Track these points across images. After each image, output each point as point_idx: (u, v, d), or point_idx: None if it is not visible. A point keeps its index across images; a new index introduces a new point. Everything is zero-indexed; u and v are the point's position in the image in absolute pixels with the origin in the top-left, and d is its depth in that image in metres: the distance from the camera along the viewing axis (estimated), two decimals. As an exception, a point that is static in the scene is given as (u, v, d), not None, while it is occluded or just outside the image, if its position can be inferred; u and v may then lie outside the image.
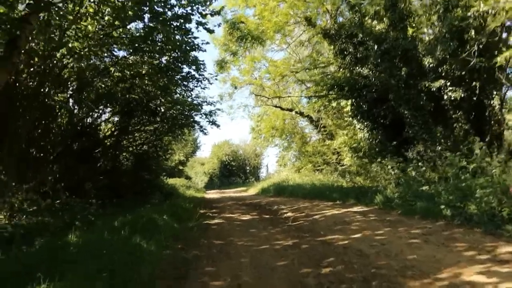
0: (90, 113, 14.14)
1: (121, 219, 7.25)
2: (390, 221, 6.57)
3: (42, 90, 10.59)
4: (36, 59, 10.05)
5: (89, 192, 14.79)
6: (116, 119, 15.79)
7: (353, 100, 11.91)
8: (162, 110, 16.11)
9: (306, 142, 22.35)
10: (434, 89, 9.36)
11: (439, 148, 9.09)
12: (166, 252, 5.08)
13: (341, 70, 13.34)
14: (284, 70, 17.62)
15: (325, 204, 10.93)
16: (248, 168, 49.50)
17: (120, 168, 16.47)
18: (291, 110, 21.29)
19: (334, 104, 15.49)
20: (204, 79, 13.30)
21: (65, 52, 9.66)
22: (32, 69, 10.40)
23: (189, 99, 15.98)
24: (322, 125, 19.98)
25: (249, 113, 23.95)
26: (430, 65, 9.79)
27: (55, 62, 10.50)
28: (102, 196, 15.28)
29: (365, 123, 12.30)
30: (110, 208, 12.40)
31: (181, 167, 39.96)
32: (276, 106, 21.24)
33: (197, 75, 13.20)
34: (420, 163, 8.82)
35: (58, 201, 9.40)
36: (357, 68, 11.42)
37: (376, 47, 10.21)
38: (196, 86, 13.77)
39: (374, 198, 9.40)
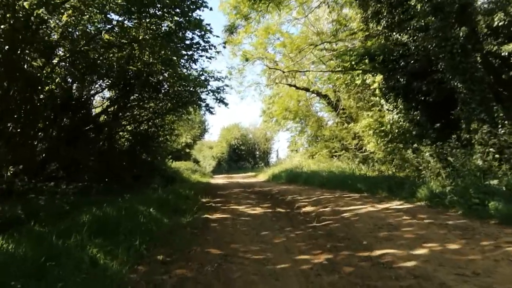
0: (80, 85, 12.45)
1: (94, 212, 5.52)
2: (457, 227, 4.73)
3: (15, 54, 8.85)
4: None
5: (76, 175, 13.26)
6: (111, 94, 14.07)
7: (386, 74, 9.95)
8: (165, 86, 14.33)
9: (322, 125, 20.42)
10: (505, 54, 7.36)
11: (502, 131, 7.16)
12: (133, 276, 3.30)
13: (371, 39, 11.35)
14: (301, 43, 15.60)
15: (350, 196, 9.11)
16: (257, 153, 47.79)
17: (117, 148, 14.82)
18: (307, 89, 19.31)
19: (358, 81, 13.52)
20: (211, 46, 11.42)
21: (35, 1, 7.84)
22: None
23: (194, 73, 14.16)
24: (341, 107, 18.00)
25: (261, 92, 22.07)
26: (500, 23, 7.77)
27: (29, 17, 8.73)
28: (92, 180, 13.74)
29: (398, 102, 10.37)
30: (97, 194, 10.79)
31: (188, 150, 38.35)
32: (290, 85, 19.28)
33: (202, 42, 11.33)
34: (484, 149, 6.88)
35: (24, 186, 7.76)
36: (394, 34, 9.42)
37: (424, 2, 8.15)
38: (201, 56, 11.88)
39: (415, 192, 7.55)
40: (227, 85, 15.28)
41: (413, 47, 8.92)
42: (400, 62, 9.26)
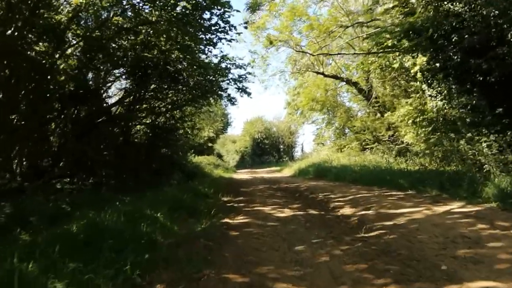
0: (92, 73, 11.60)
1: (90, 217, 4.50)
2: None
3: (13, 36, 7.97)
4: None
5: (91, 170, 12.52)
6: (127, 84, 13.18)
7: (434, 52, 8.56)
8: (184, 75, 13.32)
9: (352, 116, 18.99)
10: None
11: None
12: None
13: (410, 16, 9.93)
14: (330, 25, 14.23)
15: (394, 195, 7.82)
16: (281, 146, 46.54)
17: (133, 142, 13.96)
18: (336, 77, 17.91)
19: (396, 64, 12.08)
20: (231, 27, 10.27)
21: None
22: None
23: (214, 60, 13.10)
24: (374, 95, 16.55)
25: (286, 82, 20.73)
26: None
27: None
28: (109, 176, 13.01)
29: (447, 85, 8.95)
30: (110, 190, 9.93)
31: (210, 144, 37.51)
32: (318, 73, 17.92)
33: (221, 23, 10.21)
34: None
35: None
36: (445, 3, 8.00)
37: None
38: (220, 39, 10.75)
39: (478, 190, 6.22)
40: (249, 73, 14.06)
41: (469, 18, 7.49)
42: (452, 37, 7.84)
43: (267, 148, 45.52)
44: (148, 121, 14.08)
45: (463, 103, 8.37)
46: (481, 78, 7.59)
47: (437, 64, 8.89)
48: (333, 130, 23.16)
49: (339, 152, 22.09)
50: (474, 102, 7.95)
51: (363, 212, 6.06)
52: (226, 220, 5.83)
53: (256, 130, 45.27)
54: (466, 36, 7.74)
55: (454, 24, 7.73)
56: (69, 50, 10.04)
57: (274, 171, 27.22)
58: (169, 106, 14.27)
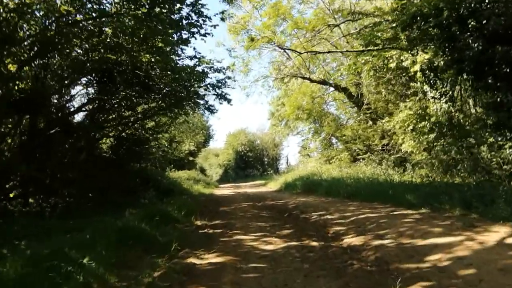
0: (41, 76, 9.93)
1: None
2: None
3: None
4: None
5: (49, 190, 10.89)
6: (89, 90, 11.53)
7: (446, 42, 7.21)
8: (156, 82, 11.76)
9: (341, 125, 17.62)
10: None
11: None
12: None
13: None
14: (317, 24, 12.91)
15: (407, 215, 6.32)
16: (266, 159, 45.03)
17: (100, 157, 12.24)
18: (323, 82, 16.56)
19: (392, 64, 10.78)
20: (206, 18, 8.80)
21: None
22: None
23: (189, 62, 11.61)
24: (366, 101, 15.24)
25: (269, 88, 19.19)
26: None
27: None
28: (75, 196, 11.41)
29: (460, 82, 7.62)
30: (61, 215, 8.25)
31: (191, 158, 35.71)
32: (304, 78, 16.54)
33: (194, 15, 8.73)
34: None
35: None
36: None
37: None
38: (193, 34, 9.25)
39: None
40: (229, 78, 12.61)
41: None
42: (469, 21, 6.51)
43: (251, 161, 43.89)
44: (115, 133, 12.38)
45: (483, 101, 7.01)
46: (508, 70, 6.24)
47: (448, 58, 7.54)
48: (320, 141, 21.79)
49: (327, 163, 20.69)
50: (498, 99, 6.58)
51: (377, 243, 4.54)
52: (192, 259, 4.21)
53: (239, 143, 43.65)
54: (487, 20, 6.41)
55: (472, 5, 6.41)
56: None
57: (259, 185, 25.61)
58: (140, 116, 12.64)
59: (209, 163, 52.69)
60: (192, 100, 13.05)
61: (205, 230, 6.45)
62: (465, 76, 7.29)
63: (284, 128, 32.56)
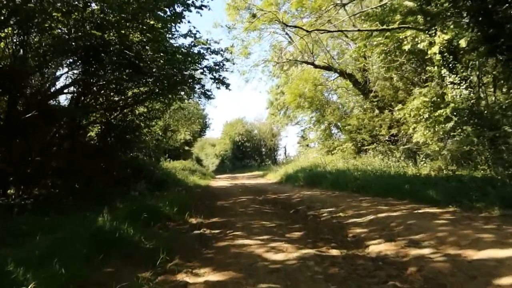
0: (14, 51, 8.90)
1: None
2: None
3: None
4: None
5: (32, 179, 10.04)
6: (74, 70, 10.51)
7: (480, 16, 6.25)
8: (148, 63, 10.75)
9: (346, 114, 16.64)
10: None
11: None
12: None
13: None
14: (323, 2, 11.87)
15: (436, 215, 5.42)
16: (263, 149, 44.09)
17: (86, 144, 11.26)
18: (328, 68, 15.55)
19: (407, 46, 9.82)
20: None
21: None
22: None
23: (184, 41, 10.59)
24: (373, 88, 14.29)
25: (269, 74, 18.05)
26: None
27: None
28: (59, 187, 10.58)
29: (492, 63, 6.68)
30: (32, 213, 7.27)
31: (187, 148, 34.73)
32: (307, 63, 15.52)
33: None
34: None
35: None
36: None
37: None
38: (188, 7, 8.22)
39: None
40: (227, 60, 11.58)
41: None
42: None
43: (249, 151, 42.97)
44: (102, 119, 11.35)
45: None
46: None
47: (478, 35, 6.58)
48: (321, 131, 20.84)
49: (329, 154, 19.82)
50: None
51: (415, 253, 3.63)
52: (184, 276, 3.27)
53: (237, 132, 42.66)
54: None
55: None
56: None
57: (257, 177, 24.72)
58: (130, 101, 11.62)
59: (205, 153, 51.74)
60: (188, 85, 12.04)
61: (201, 231, 5.51)
62: (500, 57, 6.33)
63: (283, 117, 31.61)
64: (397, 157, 12.68)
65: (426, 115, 10.03)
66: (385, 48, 10.64)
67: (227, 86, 12.05)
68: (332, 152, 19.59)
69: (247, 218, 6.63)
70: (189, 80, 11.74)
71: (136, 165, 13.33)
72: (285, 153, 41.77)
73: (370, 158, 14.03)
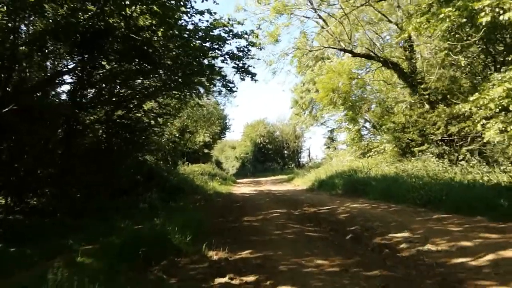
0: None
1: None
2: None
3: None
4: None
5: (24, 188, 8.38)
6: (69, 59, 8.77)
7: None
8: (158, 50, 8.90)
9: (388, 110, 14.35)
10: None
11: None
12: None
13: None
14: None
15: None
16: (286, 152, 41.95)
17: (82, 147, 9.45)
18: (368, 56, 13.33)
19: (485, 18, 7.59)
20: None
21: None
22: None
23: (200, 23, 8.66)
24: (420, 80, 12.07)
25: (300, 65, 15.68)
26: None
27: None
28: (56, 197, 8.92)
29: None
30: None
31: (206, 151, 32.90)
32: (344, 51, 13.33)
33: None
34: None
35: None
36: None
37: None
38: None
39: None
40: (252, 44, 9.64)
41: None
42: None
43: (271, 153, 40.88)
44: (104, 116, 9.52)
45: None
46: None
47: None
48: (355, 130, 18.64)
49: (364, 157, 17.61)
50: None
51: None
52: None
53: (258, 134, 40.62)
54: None
55: None
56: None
57: (282, 181, 22.65)
58: (138, 96, 9.79)
59: (225, 155, 49.90)
60: (206, 76, 10.11)
61: (226, 279, 3.52)
62: None
63: (308, 117, 29.49)
64: (460, 160, 10.45)
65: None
66: (452, 24, 8.43)
67: (253, 76, 10.10)
68: (368, 155, 17.39)
69: (291, 251, 4.60)
70: (207, 70, 9.83)
71: (146, 170, 11.50)
72: (309, 155, 39.60)
73: (419, 162, 11.80)
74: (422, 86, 12.15)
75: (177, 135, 20.44)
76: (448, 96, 11.65)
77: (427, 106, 12.58)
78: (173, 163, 22.40)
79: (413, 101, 12.83)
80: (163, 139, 14.14)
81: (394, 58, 12.79)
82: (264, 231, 6.07)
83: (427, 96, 12.22)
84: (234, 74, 10.12)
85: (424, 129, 12.51)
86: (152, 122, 10.44)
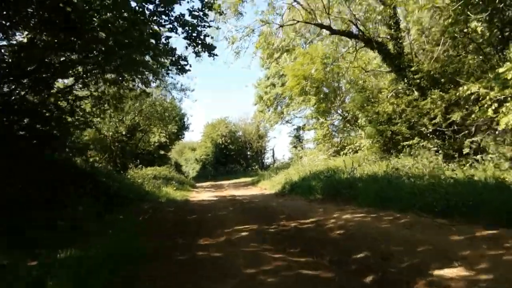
0: None
1: None
2: None
3: None
4: None
5: None
6: None
7: None
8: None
9: (369, 100, 12.38)
10: None
11: None
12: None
13: None
14: None
15: None
16: (249, 153, 39.77)
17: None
18: (349, 34, 11.31)
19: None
20: None
21: None
22: None
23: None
24: (408, 61, 10.26)
25: (267, 45, 13.39)
26: None
27: None
28: None
29: None
30: None
31: (162, 152, 30.01)
32: (321, 26, 11.21)
33: None
34: None
35: None
36: None
37: None
38: None
39: None
40: (210, 5, 7.34)
41: None
42: None
43: (233, 154, 38.51)
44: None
45: None
46: None
47: None
48: (327, 126, 16.72)
49: (337, 155, 15.73)
50: None
51: None
52: None
53: (219, 134, 38.10)
54: None
55: None
56: None
57: (247, 185, 20.38)
58: (49, 71, 7.17)
59: (185, 158, 47.02)
60: (149, 49, 7.68)
61: None
62: None
63: (273, 114, 27.40)
64: (464, 154, 8.65)
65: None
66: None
67: (211, 50, 7.81)
68: (342, 153, 15.52)
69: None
70: (151, 40, 7.43)
71: (74, 174, 8.85)
72: (273, 156, 37.65)
73: (409, 158, 9.97)
74: (412, 69, 10.32)
75: (123, 133, 17.63)
76: (443, 80, 9.87)
77: (416, 93, 10.77)
78: (122, 166, 19.58)
79: (400, 88, 10.98)
80: (102, 135, 11.47)
81: (379, 38, 10.86)
82: (230, 271, 3.75)
83: (418, 81, 10.40)
84: (187, 48, 7.77)
85: (413, 120, 10.71)
86: (77, 111, 7.83)
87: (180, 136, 34.11)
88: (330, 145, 16.43)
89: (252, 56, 16.91)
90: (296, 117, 26.58)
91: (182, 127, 32.05)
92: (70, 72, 7.28)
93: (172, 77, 18.79)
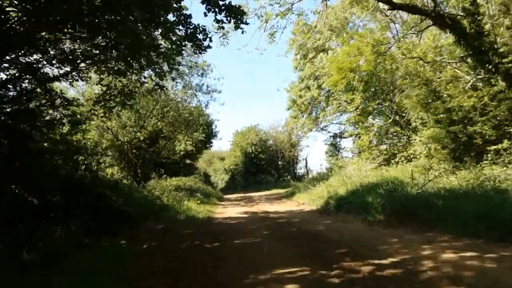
0: None
1: None
2: None
3: None
4: None
5: None
6: None
7: None
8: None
9: (434, 95, 9.84)
10: None
11: None
12: None
13: None
14: None
15: None
16: (280, 162, 37.38)
17: None
18: (414, 10, 8.91)
19: None
20: None
21: None
22: None
23: None
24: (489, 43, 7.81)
25: (307, 26, 10.90)
26: None
27: None
28: None
29: None
30: None
31: (188, 161, 28.19)
32: (381, 0, 8.95)
33: None
34: None
35: None
36: None
37: None
38: None
39: None
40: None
41: None
42: None
43: (263, 164, 36.23)
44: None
45: None
46: None
47: None
48: (383, 129, 14.32)
49: (387, 165, 13.27)
50: None
51: None
52: None
53: (249, 143, 35.98)
54: None
55: None
56: None
57: (279, 198, 18.10)
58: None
59: (213, 168, 45.19)
60: (159, 21, 5.68)
61: None
62: None
63: (307, 120, 25.03)
64: None
65: None
66: None
67: (239, 16, 5.70)
68: (394, 161, 13.05)
69: None
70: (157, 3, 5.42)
71: (66, 184, 6.97)
72: (306, 166, 35.11)
73: (496, 166, 7.48)
74: (500, 50, 7.85)
75: (141, 139, 15.77)
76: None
77: (502, 84, 8.25)
78: (143, 176, 17.82)
79: (481, 77, 8.49)
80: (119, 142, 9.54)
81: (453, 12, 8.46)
82: None
83: (508, 66, 7.90)
84: (205, 14, 5.69)
85: (500, 117, 8.20)
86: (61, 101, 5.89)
87: (208, 145, 32.27)
88: (378, 153, 13.95)
89: (288, 42, 14.49)
90: (333, 123, 24.27)
91: (210, 135, 30.18)
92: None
93: (189, 71, 16.88)
